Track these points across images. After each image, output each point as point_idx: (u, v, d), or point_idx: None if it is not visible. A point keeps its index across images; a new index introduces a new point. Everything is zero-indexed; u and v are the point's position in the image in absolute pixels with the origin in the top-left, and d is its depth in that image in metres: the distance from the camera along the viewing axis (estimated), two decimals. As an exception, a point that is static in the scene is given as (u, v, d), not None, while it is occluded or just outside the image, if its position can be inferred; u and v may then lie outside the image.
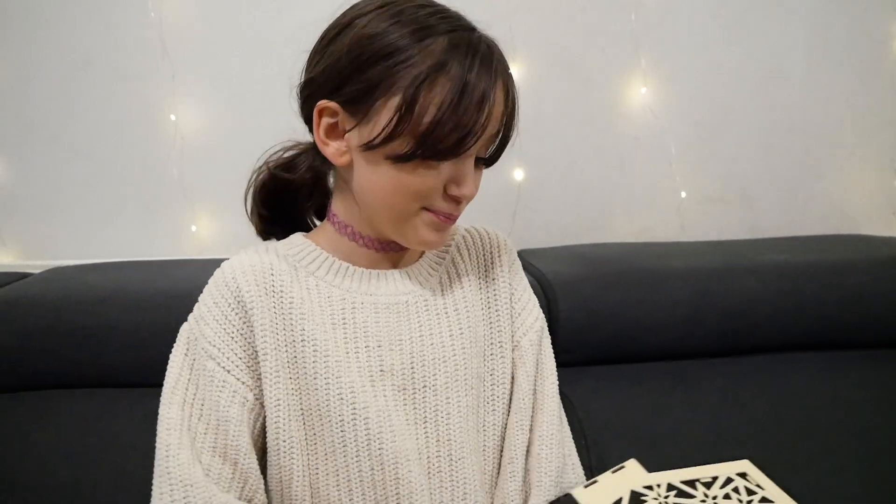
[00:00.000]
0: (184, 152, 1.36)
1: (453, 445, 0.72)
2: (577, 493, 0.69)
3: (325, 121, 0.70)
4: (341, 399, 0.69)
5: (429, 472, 0.71)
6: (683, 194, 1.44)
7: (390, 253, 0.77)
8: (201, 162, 1.37)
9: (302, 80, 0.73)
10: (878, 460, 1.02)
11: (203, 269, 1.09)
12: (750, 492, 0.71)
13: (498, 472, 0.77)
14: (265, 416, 0.71)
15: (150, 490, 0.93)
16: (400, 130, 0.65)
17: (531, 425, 0.79)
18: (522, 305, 0.83)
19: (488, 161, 0.74)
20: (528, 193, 1.43)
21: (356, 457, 0.69)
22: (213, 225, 1.39)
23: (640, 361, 1.10)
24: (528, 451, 0.78)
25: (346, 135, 0.69)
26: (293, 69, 0.73)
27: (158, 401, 0.98)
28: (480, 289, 0.81)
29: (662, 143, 1.43)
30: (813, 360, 1.13)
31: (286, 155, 0.80)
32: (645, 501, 0.67)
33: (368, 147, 0.67)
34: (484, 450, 0.76)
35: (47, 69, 1.34)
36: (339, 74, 0.67)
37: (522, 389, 0.79)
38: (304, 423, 0.71)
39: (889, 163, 1.46)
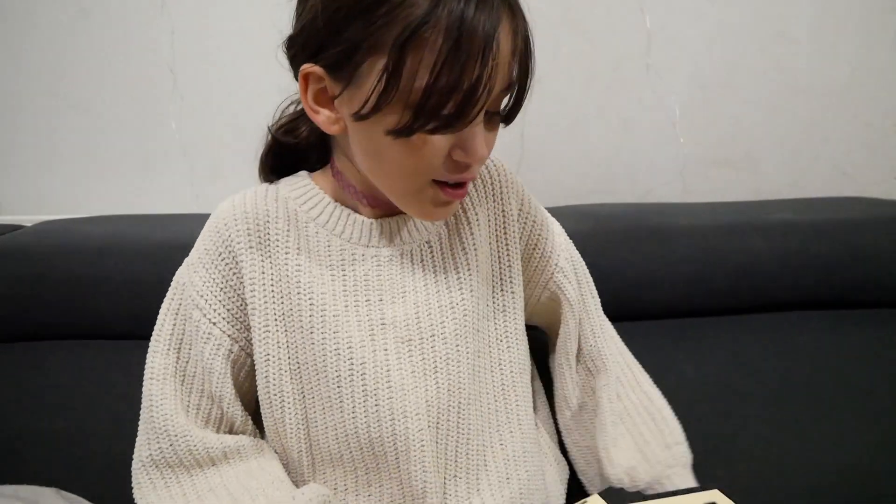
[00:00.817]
0: (182, 107, 1.33)
1: (462, 393, 0.70)
2: None
3: (312, 87, 0.63)
4: (338, 354, 0.67)
5: (437, 423, 0.69)
6: (687, 156, 1.43)
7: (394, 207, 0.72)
8: (200, 117, 1.34)
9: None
10: (883, 417, 1.02)
11: (202, 223, 1.08)
12: None
13: (523, 403, 0.76)
14: (256, 371, 0.69)
15: None
16: (388, 98, 0.56)
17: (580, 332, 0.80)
18: (546, 233, 0.79)
19: (506, 117, 0.64)
20: (532, 154, 1.41)
21: (352, 412, 0.67)
22: (213, 181, 1.37)
23: (646, 319, 1.09)
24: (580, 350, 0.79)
25: (336, 101, 0.62)
26: (289, 20, 0.66)
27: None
28: (489, 223, 0.76)
29: (666, 104, 1.41)
30: (818, 318, 1.12)
31: (286, 115, 0.76)
32: None
33: (358, 117, 0.59)
34: (504, 388, 0.74)
35: (42, 19, 1.30)
36: (318, 34, 0.59)
37: (574, 301, 0.79)
38: (298, 378, 0.69)
39: (891, 126, 1.45)
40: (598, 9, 1.37)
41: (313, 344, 0.67)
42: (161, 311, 0.72)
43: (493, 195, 0.77)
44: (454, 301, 0.71)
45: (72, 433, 0.91)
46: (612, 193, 1.43)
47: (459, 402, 0.69)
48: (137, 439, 0.69)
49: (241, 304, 0.69)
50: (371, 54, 0.56)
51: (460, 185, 0.65)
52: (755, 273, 1.11)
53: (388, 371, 0.68)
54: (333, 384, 0.67)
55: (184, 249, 0.99)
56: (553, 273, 0.79)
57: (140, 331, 0.98)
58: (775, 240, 1.12)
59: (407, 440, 0.66)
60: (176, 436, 0.66)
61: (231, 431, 0.70)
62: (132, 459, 0.72)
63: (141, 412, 0.69)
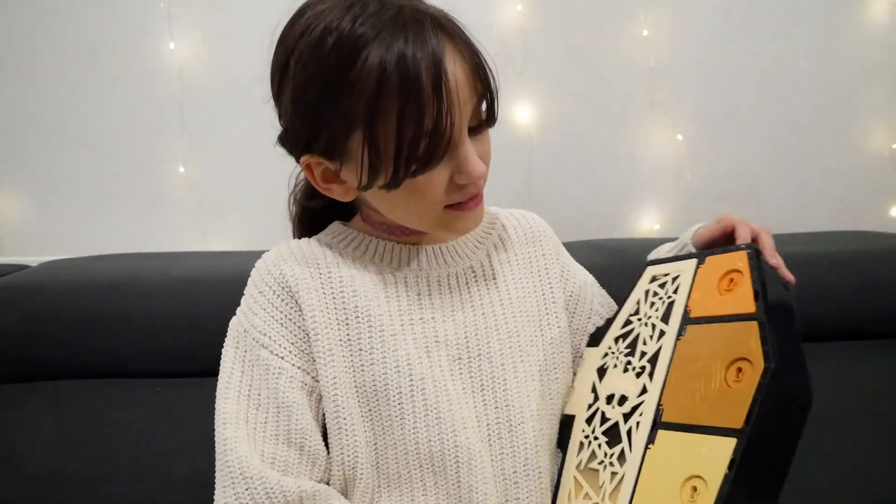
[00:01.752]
0: (190, 147, 1.34)
1: (512, 411, 0.71)
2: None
3: (317, 171, 0.68)
4: (398, 371, 0.68)
5: (489, 439, 0.70)
6: (694, 192, 1.45)
7: (430, 234, 0.75)
8: (208, 155, 1.34)
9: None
10: None
11: (216, 260, 1.07)
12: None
13: None
14: (323, 398, 0.68)
15: (164, 480, 0.91)
16: (375, 165, 0.61)
17: None
18: (574, 272, 0.83)
19: (488, 121, 0.67)
20: (540, 189, 1.42)
21: (413, 428, 0.67)
22: (220, 222, 1.37)
23: (664, 351, 1.08)
24: None
25: (341, 176, 0.67)
26: None
27: (172, 391, 0.96)
28: (530, 261, 0.79)
29: (671, 140, 1.43)
30: (834, 349, 1.12)
31: (304, 178, 0.78)
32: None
33: (361, 188, 0.64)
34: (550, 416, 0.75)
35: (52, 57, 1.31)
36: (298, 131, 0.65)
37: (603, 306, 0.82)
38: (363, 400, 0.68)
39: (890, 160, 1.48)
40: (604, 48, 1.41)
41: (374, 364, 0.68)
42: (223, 359, 0.70)
43: (530, 239, 0.81)
44: (499, 323, 0.73)
45: (89, 474, 0.88)
46: (620, 228, 1.45)
47: (510, 419, 0.71)
48: (216, 488, 0.66)
49: (304, 336, 0.68)
50: (351, 132, 0.61)
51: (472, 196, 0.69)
52: None
53: (445, 385, 0.69)
54: (395, 401, 0.68)
55: (198, 285, 0.99)
56: (590, 317, 0.82)
57: (157, 368, 0.97)
58: (791, 271, 1.12)
59: (469, 451, 0.67)
60: (252, 478, 0.63)
61: (311, 476, 0.68)
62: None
63: (216, 460, 0.66)
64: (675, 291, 0.71)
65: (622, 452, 0.67)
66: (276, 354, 0.68)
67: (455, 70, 0.61)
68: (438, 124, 0.59)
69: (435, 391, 0.68)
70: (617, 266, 1.11)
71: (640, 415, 0.67)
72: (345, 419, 0.68)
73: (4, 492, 0.88)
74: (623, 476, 0.66)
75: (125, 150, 1.34)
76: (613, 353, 0.73)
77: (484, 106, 0.65)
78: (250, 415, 0.66)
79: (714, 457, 0.60)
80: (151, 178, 1.35)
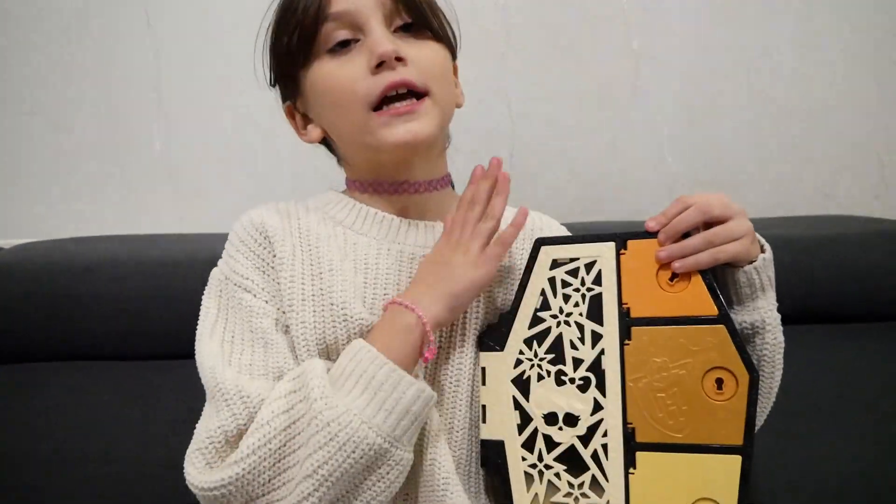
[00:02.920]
0: (166, 128, 1.32)
1: (455, 414, 0.69)
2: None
3: (298, 118, 0.77)
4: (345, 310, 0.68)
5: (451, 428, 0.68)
6: (675, 176, 1.45)
7: (414, 195, 0.74)
8: (185, 137, 1.33)
9: None
10: (880, 427, 1.03)
11: (189, 243, 1.06)
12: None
13: None
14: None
15: (141, 465, 0.90)
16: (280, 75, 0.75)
17: None
18: None
19: (417, 24, 0.71)
20: (520, 174, 1.41)
21: None
22: (196, 203, 1.35)
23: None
24: None
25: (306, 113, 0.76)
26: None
27: (148, 373, 0.96)
28: (521, 256, 0.76)
29: (653, 125, 1.43)
30: (812, 332, 1.12)
31: None
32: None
33: (290, 98, 0.76)
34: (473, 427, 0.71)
35: (24, 37, 1.29)
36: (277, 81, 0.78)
37: None
38: (326, 357, 0.67)
39: (872, 148, 1.49)
40: (585, 32, 1.39)
41: (336, 326, 0.67)
42: (204, 307, 0.70)
43: (531, 237, 0.77)
44: (469, 321, 0.70)
45: (63, 456, 0.88)
46: (601, 213, 1.44)
47: (452, 426, 0.68)
48: (207, 413, 0.64)
49: (278, 281, 0.69)
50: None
51: (401, 97, 0.68)
52: None
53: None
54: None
55: (174, 267, 0.98)
56: None
57: (131, 351, 0.97)
58: None
59: (429, 433, 0.65)
60: (249, 395, 0.61)
61: None
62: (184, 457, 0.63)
63: (207, 390, 0.65)
64: (597, 282, 0.66)
65: (594, 480, 0.63)
66: (260, 298, 0.67)
67: None
68: (305, 15, 0.68)
69: None
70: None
71: (604, 436, 0.63)
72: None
73: (-24, 475, 0.87)
74: None
75: (100, 132, 1.32)
76: (531, 359, 0.66)
77: (404, 9, 0.70)
78: (234, 358, 0.65)
79: (723, 476, 0.60)
80: (127, 160, 1.33)
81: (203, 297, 0.71)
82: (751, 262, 0.69)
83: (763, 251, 0.72)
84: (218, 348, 0.66)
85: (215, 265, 0.72)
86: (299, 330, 0.67)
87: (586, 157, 1.43)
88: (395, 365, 0.60)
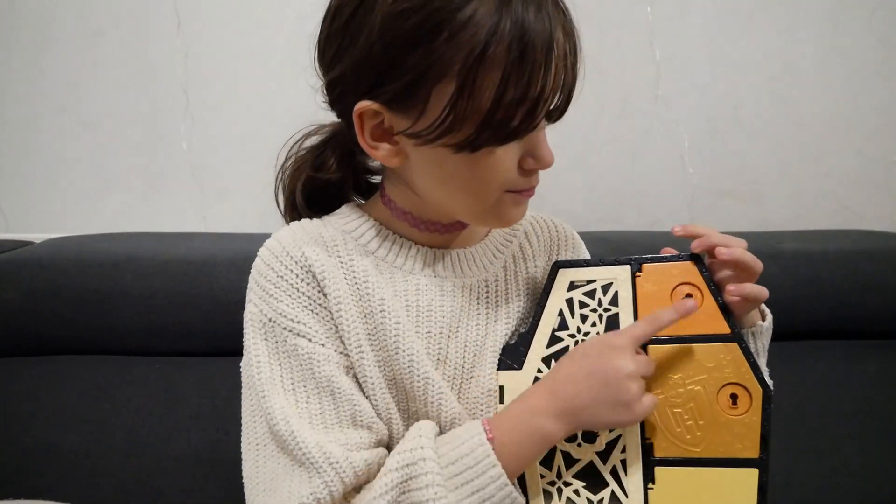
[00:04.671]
0: (193, 128, 1.34)
1: None
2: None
3: (369, 123, 0.61)
4: (427, 380, 0.64)
5: None
6: (695, 187, 1.45)
7: (453, 234, 0.71)
8: (211, 138, 1.34)
9: (323, 73, 0.64)
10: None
11: (218, 242, 1.08)
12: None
13: None
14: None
15: (161, 457, 0.92)
16: (460, 120, 0.55)
17: None
18: None
19: (558, 113, 0.63)
20: (541, 183, 1.41)
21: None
22: (222, 203, 1.37)
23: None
24: None
25: (397, 135, 0.60)
26: (306, 47, 0.65)
27: (170, 369, 0.98)
28: (545, 275, 0.74)
29: (674, 135, 1.43)
30: (832, 347, 1.13)
31: (308, 148, 0.72)
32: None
33: (426, 142, 0.58)
34: None
35: (57, 38, 1.31)
36: (374, 69, 0.57)
37: None
38: (393, 394, 0.66)
39: (893, 161, 1.48)
40: (608, 40, 1.40)
41: (399, 364, 0.64)
42: (254, 358, 0.64)
43: (552, 249, 0.78)
44: (496, 345, 0.69)
45: (87, 448, 0.90)
46: (620, 222, 1.44)
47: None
48: (288, 492, 0.59)
49: (333, 322, 0.65)
50: (437, 81, 0.55)
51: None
52: (769, 300, 1.09)
53: (454, 407, 0.66)
54: (422, 405, 0.65)
55: (198, 266, 1.00)
56: None
57: (155, 346, 0.99)
58: (788, 268, 1.13)
59: None
60: (337, 461, 0.58)
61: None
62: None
63: (287, 462, 0.60)
64: (613, 303, 0.67)
65: (613, 496, 0.63)
66: (317, 342, 0.63)
67: (562, 42, 0.57)
68: (543, 92, 0.56)
69: (453, 411, 0.65)
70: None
71: (623, 451, 0.64)
72: (381, 414, 0.65)
73: (3, 463, 0.90)
74: None
75: (129, 131, 1.34)
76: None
77: (562, 94, 0.60)
78: (301, 409, 0.61)
79: (741, 489, 0.62)
80: (154, 159, 1.35)
81: (245, 341, 0.65)
82: (751, 326, 0.71)
83: (763, 318, 0.73)
84: (284, 399, 0.61)
85: (237, 264, 0.70)
86: (368, 370, 0.64)
87: (606, 165, 1.43)
88: (517, 495, 0.60)
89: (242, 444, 0.65)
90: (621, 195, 1.45)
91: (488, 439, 0.60)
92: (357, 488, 0.60)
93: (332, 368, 0.62)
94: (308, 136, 0.72)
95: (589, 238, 1.20)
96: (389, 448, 0.65)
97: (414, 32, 0.54)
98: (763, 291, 0.67)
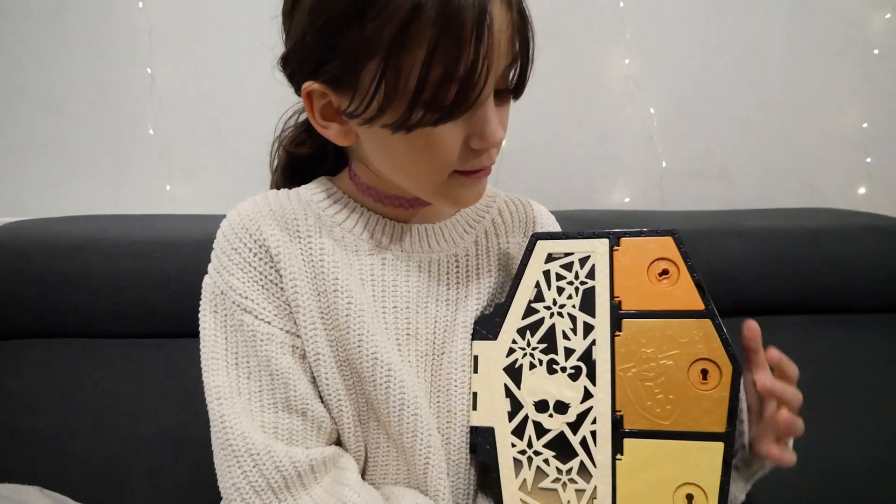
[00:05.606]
0: (160, 109, 1.32)
1: (457, 416, 0.67)
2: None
3: (318, 103, 0.61)
4: (375, 361, 0.63)
5: (448, 443, 0.67)
6: (665, 167, 1.46)
7: (420, 208, 0.70)
8: (178, 119, 1.33)
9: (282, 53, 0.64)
10: (857, 415, 1.06)
11: (185, 223, 1.07)
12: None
13: None
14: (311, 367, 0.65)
15: (129, 437, 0.92)
16: (390, 100, 0.55)
17: None
18: None
19: (515, 91, 0.62)
20: (511, 161, 1.42)
21: (396, 419, 0.64)
22: (189, 184, 1.35)
23: (627, 320, 1.11)
24: None
25: (345, 112, 0.60)
26: (272, 25, 0.65)
27: (136, 351, 0.97)
28: (519, 251, 0.74)
29: (644, 115, 1.45)
30: (793, 322, 1.15)
31: (291, 126, 0.74)
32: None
33: (364, 121, 0.57)
34: None
35: (16, 15, 1.28)
36: (310, 51, 0.58)
37: None
38: (346, 375, 0.65)
39: (859, 141, 1.51)
40: (578, 21, 1.40)
41: (349, 344, 0.64)
42: (203, 325, 0.65)
43: (527, 226, 0.78)
44: (467, 321, 0.69)
45: (53, 431, 0.90)
46: (591, 201, 1.46)
47: (454, 424, 0.67)
48: (218, 469, 0.62)
49: (286, 301, 0.65)
50: (368, 60, 0.55)
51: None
52: (734, 276, 1.14)
53: (416, 383, 0.66)
54: (370, 387, 0.64)
55: (164, 247, 0.99)
56: None
57: (120, 328, 0.98)
58: (754, 244, 1.15)
59: (437, 453, 0.65)
60: (259, 453, 0.60)
61: (318, 441, 0.65)
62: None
63: (213, 437, 0.62)
64: (590, 276, 0.68)
65: (582, 466, 0.65)
66: (262, 319, 0.63)
67: (500, 17, 0.55)
68: (473, 70, 0.53)
69: (412, 389, 0.65)
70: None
71: (593, 423, 0.65)
72: (332, 394, 0.64)
73: (-31, 448, 0.89)
74: (594, 491, 0.64)
75: (93, 113, 1.32)
76: (524, 349, 0.67)
77: (515, 72, 0.60)
78: (242, 385, 0.62)
79: (706, 462, 0.63)
80: (121, 140, 1.33)
81: (200, 310, 0.66)
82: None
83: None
84: (224, 376, 0.63)
85: (205, 246, 0.67)
86: (321, 348, 0.64)
87: (577, 145, 1.44)
88: None
89: None
90: (592, 175, 1.46)
91: None
92: (287, 486, 0.61)
93: (274, 348, 0.62)
94: (295, 113, 0.74)
95: (559, 217, 1.22)
96: (338, 438, 0.66)
97: (344, 13, 0.54)
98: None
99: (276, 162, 0.75)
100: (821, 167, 1.51)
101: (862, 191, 1.54)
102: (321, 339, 0.64)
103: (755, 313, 1.14)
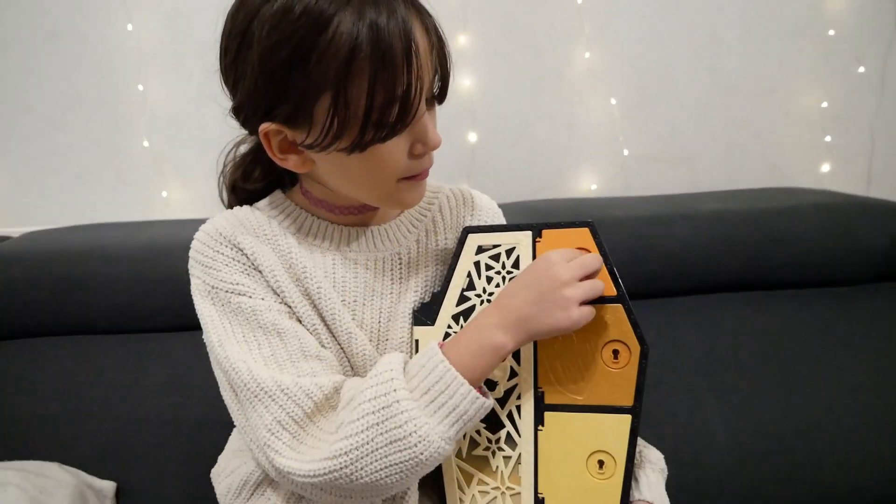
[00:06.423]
0: (152, 122, 1.42)
1: None
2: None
3: (275, 140, 0.68)
4: (349, 335, 0.73)
5: None
6: (626, 153, 1.53)
7: (367, 213, 0.78)
8: (169, 130, 1.43)
9: (231, 99, 0.71)
10: (798, 384, 1.13)
11: (177, 228, 1.18)
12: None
13: None
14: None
15: (131, 420, 1.04)
16: (341, 128, 0.63)
17: None
18: None
19: (438, 98, 0.71)
20: (483, 156, 1.51)
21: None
22: (183, 190, 1.46)
23: (583, 302, 1.19)
24: None
25: (300, 144, 0.67)
26: None
27: (136, 345, 1.09)
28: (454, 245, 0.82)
29: (607, 105, 1.51)
30: (742, 299, 1.22)
31: (237, 161, 0.79)
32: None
33: (322, 149, 0.65)
34: None
35: (14, 41, 1.39)
36: (263, 97, 0.65)
37: None
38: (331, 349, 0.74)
39: (818, 120, 1.56)
40: (540, 20, 1.48)
41: (326, 329, 0.73)
42: (209, 319, 0.71)
43: (462, 219, 0.84)
44: (407, 311, 0.77)
45: (67, 416, 1.02)
46: (560, 189, 1.54)
47: None
48: (248, 426, 0.68)
49: (271, 288, 0.72)
50: (317, 97, 0.62)
51: None
52: (683, 259, 1.21)
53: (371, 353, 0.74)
54: (349, 368, 0.75)
55: (158, 251, 1.10)
56: None
57: (122, 325, 1.10)
58: (701, 227, 1.22)
59: None
60: (289, 387, 0.66)
61: (334, 371, 0.72)
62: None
63: (240, 396, 0.68)
64: (515, 266, 0.73)
65: (508, 436, 0.72)
66: (257, 297, 0.70)
67: (422, 42, 0.64)
68: (409, 91, 0.62)
69: (368, 358, 0.74)
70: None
71: (518, 398, 0.72)
72: (332, 348, 0.73)
73: (-7, 431, 1.03)
74: (519, 457, 0.72)
75: (92, 128, 1.43)
76: (457, 333, 0.72)
77: (438, 82, 0.68)
78: (256, 353, 0.68)
79: (615, 432, 0.70)
80: (118, 152, 1.44)
81: (197, 309, 0.72)
82: None
83: None
84: (239, 349, 0.68)
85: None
86: (315, 323, 0.72)
87: (544, 137, 1.52)
88: (484, 399, 0.66)
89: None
90: (559, 165, 1.54)
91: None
92: (319, 409, 0.67)
93: (275, 315, 0.70)
94: (240, 143, 0.81)
95: (527, 207, 1.30)
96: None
97: (288, 60, 0.61)
98: None
99: (225, 194, 0.81)
100: (782, 147, 1.57)
101: (825, 168, 1.59)
102: (307, 316, 0.72)
103: (706, 292, 1.23)
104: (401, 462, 0.64)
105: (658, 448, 0.81)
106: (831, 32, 1.53)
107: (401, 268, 0.78)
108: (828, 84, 1.56)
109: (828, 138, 1.57)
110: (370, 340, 0.76)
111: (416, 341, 0.75)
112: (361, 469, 0.63)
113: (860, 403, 1.12)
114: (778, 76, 1.54)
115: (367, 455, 0.63)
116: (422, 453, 0.63)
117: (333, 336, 0.74)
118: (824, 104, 1.56)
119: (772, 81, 1.55)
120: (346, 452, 0.63)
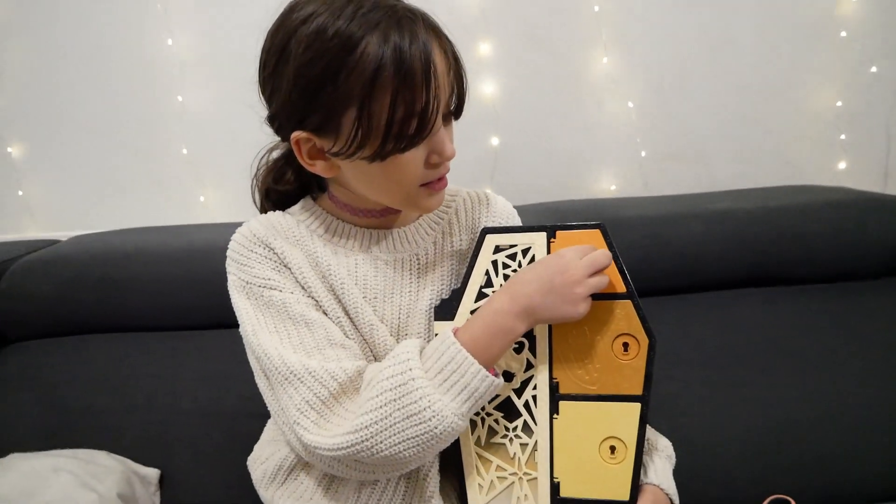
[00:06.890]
0: (190, 130, 1.50)
1: None
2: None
3: (305, 147, 0.74)
4: (371, 327, 0.79)
5: None
6: (644, 154, 1.56)
7: (388, 217, 0.83)
8: (206, 139, 1.50)
9: (267, 109, 0.77)
10: (808, 378, 1.15)
11: (215, 231, 1.24)
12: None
13: None
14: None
15: (173, 411, 1.10)
16: (364, 138, 0.68)
17: None
18: None
19: (455, 113, 0.76)
20: (504, 158, 1.55)
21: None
22: (219, 195, 1.54)
23: (599, 299, 1.23)
24: None
25: (328, 152, 0.73)
26: None
27: (177, 341, 1.16)
28: (470, 247, 0.86)
29: (624, 108, 1.54)
30: (754, 294, 1.24)
31: (270, 164, 0.85)
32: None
33: (346, 157, 0.71)
34: None
35: (63, 57, 1.47)
36: (296, 108, 0.71)
37: None
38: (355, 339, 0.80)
39: (833, 119, 1.57)
40: (558, 25, 1.51)
41: (350, 321, 0.79)
42: (244, 312, 0.77)
43: (478, 222, 0.88)
44: (426, 308, 0.82)
45: (113, 408, 1.10)
46: (579, 190, 1.57)
47: None
48: (279, 407, 0.74)
49: (299, 284, 0.78)
50: (346, 109, 0.69)
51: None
52: (698, 256, 1.23)
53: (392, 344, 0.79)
54: (372, 358, 0.79)
55: (197, 253, 1.17)
56: None
57: (164, 323, 1.18)
58: (713, 225, 1.24)
59: None
60: (315, 371, 0.71)
61: (358, 358, 0.77)
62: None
63: (272, 382, 0.74)
64: (531, 264, 0.77)
65: (525, 424, 0.76)
66: (287, 291, 0.76)
67: (441, 63, 0.70)
68: (427, 107, 0.68)
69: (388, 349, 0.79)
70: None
71: (534, 389, 0.76)
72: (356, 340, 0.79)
73: (50, 422, 1.10)
74: (535, 444, 0.76)
75: (133, 138, 1.51)
76: (470, 317, 0.76)
77: (454, 99, 0.74)
78: (284, 341, 0.74)
79: (626, 419, 0.75)
80: (157, 160, 1.51)
81: (233, 303, 0.78)
82: None
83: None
84: (269, 338, 0.74)
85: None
86: (339, 315, 0.78)
87: (564, 139, 1.55)
88: (494, 378, 0.71)
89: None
90: (579, 167, 1.57)
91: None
92: (344, 390, 0.73)
93: (303, 307, 0.76)
94: (273, 149, 0.87)
95: (548, 208, 1.34)
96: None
97: (320, 75, 0.68)
98: None
99: (258, 196, 0.88)
100: (798, 145, 1.57)
101: (842, 166, 1.60)
102: (334, 304, 0.79)
103: (720, 288, 1.26)
104: (417, 436, 0.69)
105: (672, 438, 0.85)
106: (843, 34, 1.54)
107: (419, 268, 0.83)
108: (841, 83, 1.56)
109: (843, 136, 1.58)
110: (391, 334, 0.81)
111: (437, 335, 0.78)
112: (381, 442, 0.69)
113: (872, 397, 1.13)
114: (792, 76, 1.56)
115: (385, 429, 0.69)
116: (436, 427, 0.69)
117: (356, 328, 0.79)
118: (839, 103, 1.57)
119: (785, 82, 1.56)
120: (366, 427, 0.69)
